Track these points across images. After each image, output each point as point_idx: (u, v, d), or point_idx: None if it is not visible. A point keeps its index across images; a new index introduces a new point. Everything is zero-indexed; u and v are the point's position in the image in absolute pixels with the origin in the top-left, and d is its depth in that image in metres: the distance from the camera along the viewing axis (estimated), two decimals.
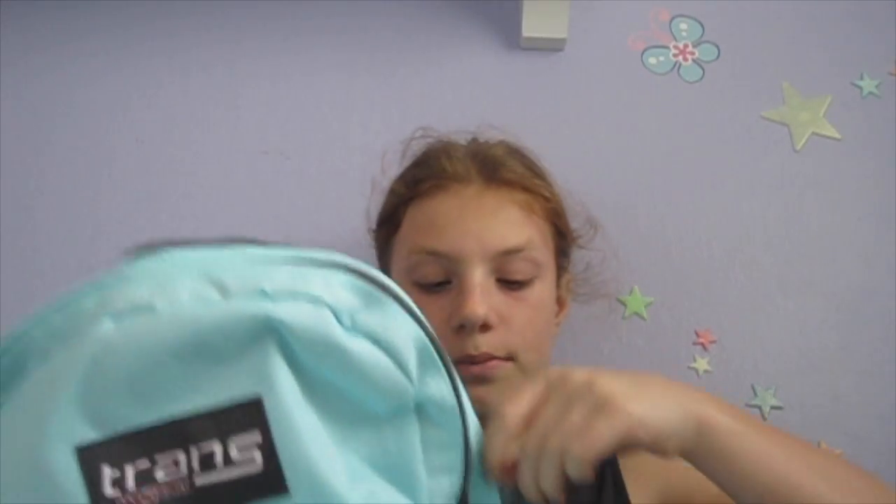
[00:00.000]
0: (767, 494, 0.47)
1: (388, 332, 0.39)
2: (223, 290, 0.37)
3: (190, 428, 0.36)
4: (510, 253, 0.70)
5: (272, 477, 0.35)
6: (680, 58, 1.01)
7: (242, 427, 0.36)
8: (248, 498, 0.35)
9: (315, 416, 0.37)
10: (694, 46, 1.02)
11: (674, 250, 0.96)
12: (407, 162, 0.82)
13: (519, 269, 0.70)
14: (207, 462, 0.36)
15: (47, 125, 1.01)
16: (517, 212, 0.73)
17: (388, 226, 0.78)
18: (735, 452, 0.47)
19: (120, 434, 0.36)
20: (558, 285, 0.77)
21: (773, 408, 0.91)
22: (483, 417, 0.62)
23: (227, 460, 0.36)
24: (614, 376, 0.47)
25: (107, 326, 0.37)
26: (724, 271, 0.95)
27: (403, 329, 0.39)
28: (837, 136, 0.98)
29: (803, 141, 0.98)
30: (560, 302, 0.79)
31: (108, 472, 0.35)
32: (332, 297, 0.38)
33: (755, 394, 0.91)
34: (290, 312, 0.37)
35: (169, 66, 1.03)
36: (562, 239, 0.78)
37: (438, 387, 0.41)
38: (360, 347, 0.38)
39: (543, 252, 0.73)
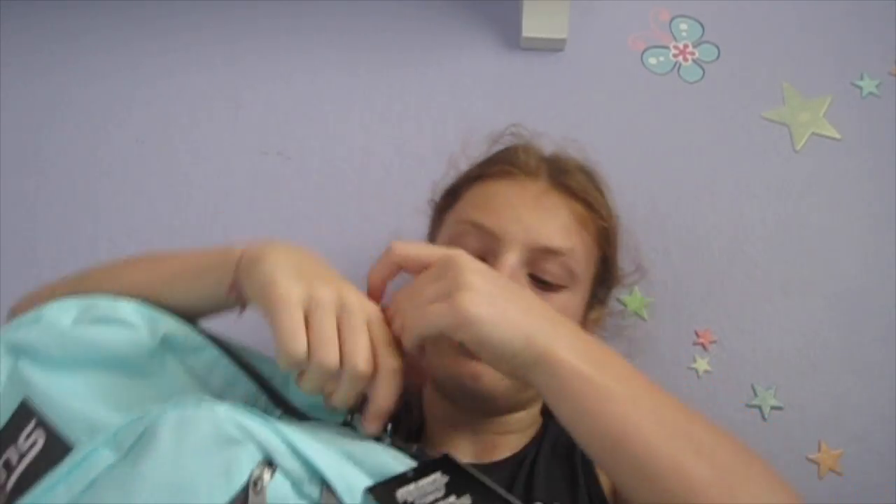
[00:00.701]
0: (599, 438, 0.47)
1: (105, 312, 0.52)
2: None
3: None
4: (550, 252, 0.70)
5: (54, 441, 0.45)
6: (680, 58, 1.01)
7: (23, 424, 0.46)
8: (46, 468, 0.43)
9: (78, 384, 0.48)
10: (694, 47, 1.02)
11: (674, 250, 0.95)
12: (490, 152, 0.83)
13: (552, 272, 0.70)
14: (8, 467, 0.45)
15: (47, 125, 1.01)
16: (571, 219, 0.73)
17: (447, 198, 0.80)
18: (572, 394, 0.47)
19: None
20: (586, 312, 0.77)
21: (773, 408, 0.91)
22: (476, 395, 0.65)
23: (21, 454, 0.45)
24: (493, 279, 0.49)
25: None
26: (724, 271, 0.95)
27: (118, 306, 0.53)
28: (837, 136, 0.98)
29: (803, 141, 0.98)
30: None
31: None
32: (45, 315, 0.52)
33: (755, 394, 0.91)
34: (20, 334, 0.51)
35: (169, 66, 1.03)
36: (604, 267, 0.77)
37: (168, 325, 0.53)
38: (90, 330, 0.51)
39: (582, 268, 0.73)
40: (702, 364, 0.92)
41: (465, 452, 0.71)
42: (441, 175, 0.84)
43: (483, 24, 1.03)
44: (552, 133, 0.98)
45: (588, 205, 0.75)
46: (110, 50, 1.03)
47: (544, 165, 0.77)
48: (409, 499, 0.43)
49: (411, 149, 0.99)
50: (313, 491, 0.43)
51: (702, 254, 0.95)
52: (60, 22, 1.04)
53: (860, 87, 0.99)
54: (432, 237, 0.82)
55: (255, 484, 0.41)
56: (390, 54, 1.02)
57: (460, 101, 1.00)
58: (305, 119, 1.01)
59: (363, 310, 0.49)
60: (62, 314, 0.52)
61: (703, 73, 1.01)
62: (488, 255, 0.71)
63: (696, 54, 1.01)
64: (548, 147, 0.82)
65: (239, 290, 0.54)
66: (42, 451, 0.45)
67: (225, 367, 0.53)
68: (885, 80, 0.99)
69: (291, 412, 0.54)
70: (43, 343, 0.50)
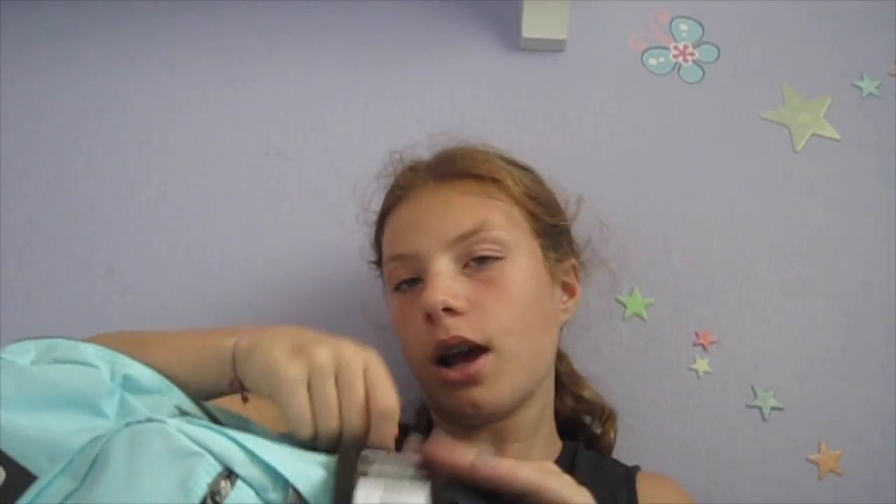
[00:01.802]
0: None
1: (66, 354, 0.52)
2: None
3: None
4: (466, 237, 0.71)
5: (16, 474, 0.44)
6: (680, 59, 1.01)
7: None
8: (10, 500, 0.43)
9: (34, 421, 0.47)
10: (694, 47, 1.02)
11: (674, 251, 0.95)
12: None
13: (482, 250, 0.71)
14: None
15: (46, 125, 1.01)
16: (469, 199, 0.73)
17: (376, 251, 0.82)
18: None
19: None
20: (553, 268, 0.76)
21: (773, 409, 0.91)
22: (476, 418, 0.62)
23: None
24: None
25: None
26: (725, 272, 0.95)
27: (78, 347, 0.52)
28: (837, 136, 0.98)
29: (803, 142, 0.98)
30: (568, 289, 0.79)
31: None
32: (11, 356, 0.51)
33: (755, 395, 0.91)
34: None
35: (169, 66, 1.03)
36: (537, 220, 0.76)
37: (129, 367, 0.52)
38: (49, 369, 0.51)
39: (509, 231, 0.72)
40: (702, 365, 0.92)
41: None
42: (365, 238, 0.84)
43: (483, 24, 1.03)
44: (552, 134, 0.99)
45: (478, 177, 0.75)
46: (110, 50, 1.03)
47: (424, 169, 0.78)
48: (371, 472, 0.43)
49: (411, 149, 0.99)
50: (278, 496, 0.42)
51: (702, 254, 0.95)
52: (60, 22, 1.04)
53: (860, 88, 0.99)
54: (384, 293, 0.82)
55: (214, 496, 0.40)
56: (390, 54, 1.02)
57: (460, 101, 1.00)
58: (305, 119, 1.01)
59: (358, 358, 0.51)
60: (19, 356, 0.51)
61: (703, 73, 1.01)
62: (422, 274, 0.72)
63: (696, 55, 1.01)
64: (425, 151, 0.82)
65: (241, 383, 0.55)
66: (4, 486, 0.44)
67: (189, 407, 0.52)
68: (885, 80, 0.99)
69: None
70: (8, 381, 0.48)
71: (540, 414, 0.75)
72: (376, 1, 1.03)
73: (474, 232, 0.71)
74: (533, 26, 0.99)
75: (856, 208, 0.96)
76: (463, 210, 0.72)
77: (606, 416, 0.83)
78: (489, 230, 0.71)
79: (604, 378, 0.89)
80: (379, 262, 0.81)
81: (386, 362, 0.52)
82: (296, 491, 0.42)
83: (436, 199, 0.74)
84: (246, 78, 1.02)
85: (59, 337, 0.54)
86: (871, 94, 0.99)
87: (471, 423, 0.72)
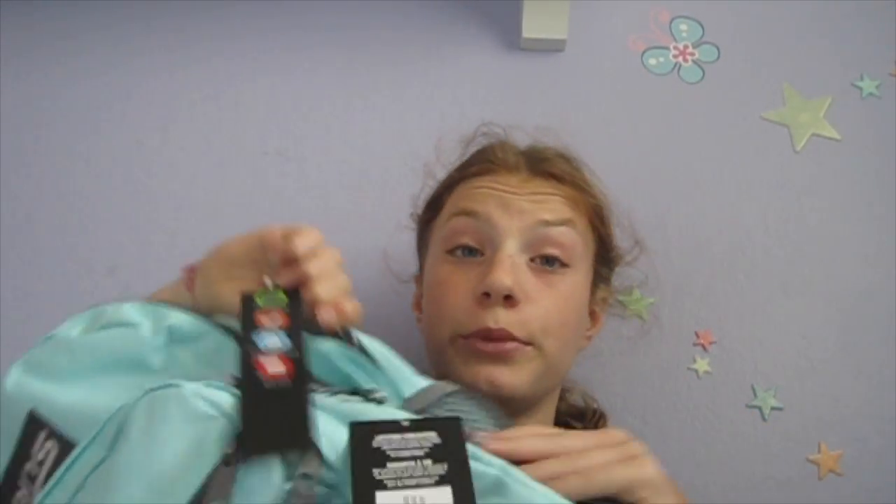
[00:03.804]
0: None
1: (110, 318, 0.53)
2: None
3: (11, 472, 0.48)
4: (549, 225, 0.70)
5: (68, 448, 0.45)
6: (680, 59, 1.01)
7: (34, 435, 0.47)
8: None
9: (86, 390, 0.48)
10: (694, 47, 1.02)
11: (674, 251, 0.95)
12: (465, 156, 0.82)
13: (554, 246, 0.70)
14: (31, 479, 0.46)
15: (47, 125, 1.01)
16: (560, 201, 0.73)
17: (430, 208, 0.79)
18: None
19: None
20: (593, 294, 0.76)
21: (773, 409, 0.91)
22: (494, 398, 0.62)
23: (39, 464, 0.46)
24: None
25: None
26: (725, 272, 0.95)
27: (122, 308, 0.53)
28: (837, 136, 0.98)
29: (803, 142, 0.98)
30: (594, 317, 0.79)
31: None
32: (58, 333, 0.54)
33: (755, 395, 0.91)
34: (34, 353, 0.52)
35: (169, 65, 1.03)
36: (602, 245, 0.77)
37: (173, 318, 0.52)
38: (96, 336, 0.51)
39: (581, 245, 0.72)
40: (702, 365, 0.92)
41: None
42: (419, 187, 0.83)
43: (483, 24, 1.03)
44: (552, 134, 0.99)
45: (575, 186, 0.75)
46: (109, 50, 1.03)
47: (522, 158, 0.76)
48: (384, 447, 0.42)
49: (411, 149, 0.99)
50: (294, 455, 0.42)
51: (702, 254, 0.95)
52: (60, 22, 1.04)
53: (860, 88, 0.99)
54: (420, 251, 0.81)
55: (227, 458, 0.40)
56: (390, 54, 1.02)
57: (460, 101, 1.00)
58: (305, 119, 1.01)
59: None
60: (71, 328, 0.53)
61: (703, 73, 1.01)
62: (485, 246, 0.70)
63: (696, 55, 1.01)
64: (522, 140, 0.81)
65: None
66: (57, 459, 0.45)
67: (231, 348, 0.52)
68: (885, 80, 0.99)
69: None
70: (51, 356, 0.50)
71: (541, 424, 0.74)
72: (376, 1, 1.03)
73: (556, 223, 0.70)
74: (533, 26, 0.99)
75: (856, 208, 0.96)
76: (551, 203, 0.71)
77: (597, 418, 0.83)
78: (571, 229, 0.71)
79: (604, 378, 0.89)
80: (427, 217, 0.79)
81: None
82: (316, 450, 0.42)
83: (528, 186, 0.72)
84: (246, 78, 1.02)
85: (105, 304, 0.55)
86: (871, 94, 0.99)
87: None
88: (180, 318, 0.53)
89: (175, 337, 0.52)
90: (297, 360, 0.46)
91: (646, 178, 0.97)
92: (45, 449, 0.46)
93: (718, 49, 1.01)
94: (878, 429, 0.90)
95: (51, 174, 1.00)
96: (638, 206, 0.96)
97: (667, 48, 1.02)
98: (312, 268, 0.53)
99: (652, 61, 1.02)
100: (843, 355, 0.92)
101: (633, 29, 1.02)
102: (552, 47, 1.01)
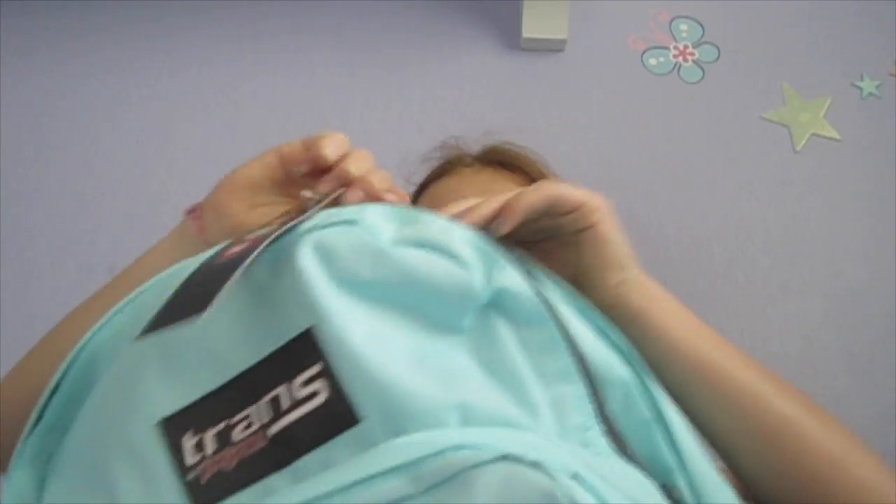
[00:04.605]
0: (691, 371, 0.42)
1: (434, 236, 0.37)
2: None
3: (255, 378, 0.34)
4: None
5: (338, 403, 0.33)
6: (680, 59, 1.01)
7: (304, 362, 0.34)
8: (323, 435, 0.32)
9: (377, 328, 0.35)
10: (694, 47, 1.02)
11: (674, 250, 0.95)
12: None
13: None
14: (276, 408, 0.33)
15: (47, 125, 1.01)
16: (511, 185, 0.73)
17: None
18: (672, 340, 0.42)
19: (195, 400, 0.34)
20: None
21: None
22: None
23: (294, 401, 0.33)
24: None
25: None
26: (725, 272, 0.95)
27: (453, 233, 0.37)
28: (837, 136, 0.98)
29: (803, 142, 0.98)
30: None
31: (189, 441, 0.34)
32: (366, 219, 0.38)
33: None
34: (328, 234, 0.36)
35: (169, 66, 1.03)
36: None
37: (508, 277, 0.36)
38: (411, 255, 0.36)
39: None
40: None
41: None
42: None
43: (483, 24, 1.03)
44: (552, 134, 0.99)
45: (526, 173, 0.76)
46: (110, 50, 1.03)
47: (472, 154, 0.79)
48: None
49: (411, 149, 0.99)
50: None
51: (702, 254, 0.95)
52: (60, 22, 1.04)
53: (860, 88, 0.99)
54: None
55: None
56: (390, 54, 1.02)
57: (460, 101, 1.00)
58: (305, 119, 1.01)
59: None
60: (385, 224, 0.39)
61: (703, 73, 1.01)
62: None
63: (696, 55, 1.01)
64: (477, 146, 0.83)
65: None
66: (320, 409, 0.33)
67: (561, 358, 0.37)
68: (885, 80, 0.99)
69: (612, 431, 0.38)
70: (353, 257, 0.36)
71: None
72: (376, 2, 1.03)
73: None
74: (533, 26, 0.99)
75: (856, 208, 0.96)
76: (500, 183, 0.73)
77: None
78: None
79: None
80: None
81: None
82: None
83: (480, 177, 0.74)
84: (246, 78, 1.02)
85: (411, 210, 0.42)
86: (871, 94, 0.99)
87: None
88: (519, 288, 0.37)
89: (502, 305, 0.37)
90: None
91: (646, 178, 0.97)
92: (310, 388, 0.34)
93: (718, 49, 1.01)
94: (879, 428, 0.90)
95: (51, 174, 1.00)
96: (638, 206, 0.96)
97: (667, 48, 1.02)
98: (353, 168, 0.46)
99: (652, 61, 1.02)
100: (843, 355, 0.92)
101: (633, 29, 1.02)
102: (552, 47, 1.01)
